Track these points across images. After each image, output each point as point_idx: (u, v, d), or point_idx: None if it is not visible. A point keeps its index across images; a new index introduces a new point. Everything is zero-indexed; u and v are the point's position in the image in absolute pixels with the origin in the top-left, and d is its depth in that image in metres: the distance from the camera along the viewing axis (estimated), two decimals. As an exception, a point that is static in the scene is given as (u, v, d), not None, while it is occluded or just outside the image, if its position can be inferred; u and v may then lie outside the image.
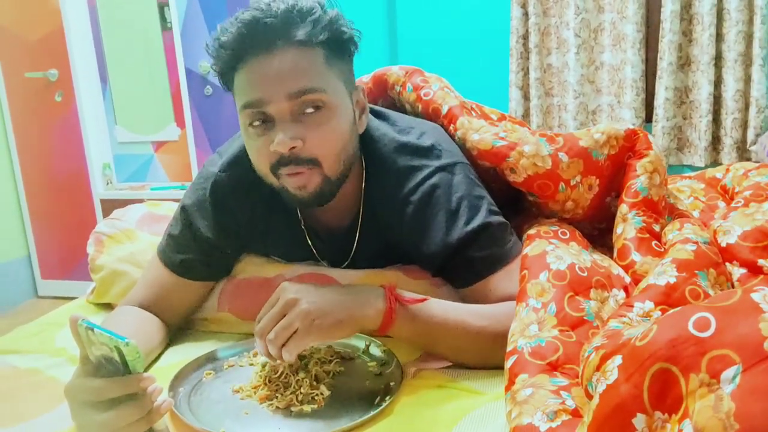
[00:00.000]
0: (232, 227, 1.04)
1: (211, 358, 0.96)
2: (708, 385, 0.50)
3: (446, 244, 0.95)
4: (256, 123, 0.89)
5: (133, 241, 1.25)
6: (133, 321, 0.99)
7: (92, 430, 0.70)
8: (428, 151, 0.99)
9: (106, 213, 2.94)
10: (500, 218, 0.98)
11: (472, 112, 1.14)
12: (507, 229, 0.99)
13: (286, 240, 1.08)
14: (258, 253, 1.12)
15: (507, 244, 0.97)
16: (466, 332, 0.88)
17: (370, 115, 1.04)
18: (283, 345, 0.80)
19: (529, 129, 1.16)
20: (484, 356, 0.88)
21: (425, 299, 0.89)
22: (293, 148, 0.87)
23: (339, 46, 0.91)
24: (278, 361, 0.84)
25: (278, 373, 0.86)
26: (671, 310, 0.59)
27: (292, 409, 0.81)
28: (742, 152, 2.47)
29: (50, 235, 3.25)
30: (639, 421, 0.53)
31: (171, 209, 1.35)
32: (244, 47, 0.87)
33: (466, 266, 0.96)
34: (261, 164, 0.92)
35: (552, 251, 0.92)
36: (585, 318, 0.82)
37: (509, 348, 0.80)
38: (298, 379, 0.85)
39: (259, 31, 0.85)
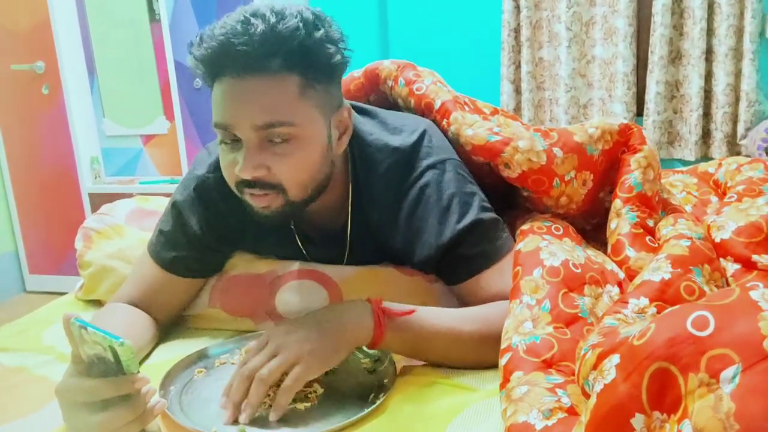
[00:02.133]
0: (221, 226, 1.03)
1: (202, 355, 0.95)
2: (707, 385, 0.50)
3: (439, 244, 0.94)
4: (226, 141, 0.88)
5: (122, 236, 1.23)
6: (123, 318, 0.98)
7: (84, 431, 0.69)
8: (418, 151, 0.98)
9: (95, 207, 2.92)
10: (492, 214, 0.97)
11: (465, 107, 1.13)
12: (499, 225, 0.98)
13: (277, 242, 1.06)
14: (249, 252, 1.11)
15: (499, 241, 0.97)
16: (457, 339, 0.87)
17: (360, 116, 1.03)
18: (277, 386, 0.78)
19: (522, 123, 1.15)
20: (476, 360, 0.87)
21: (413, 311, 0.87)
22: (257, 176, 0.86)
23: (318, 72, 0.85)
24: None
25: None
26: (669, 309, 0.59)
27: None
28: (733, 146, 2.48)
29: (38, 230, 3.21)
30: (637, 421, 0.53)
31: (160, 204, 1.33)
32: (216, 67, 0.83)
33: (458, 263, 0.95)
34: (228, 179, 0.90)
35: (546, 247, 0.91)
36: (579, 315, 0.82)
37: (504, 345, 0.79)
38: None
39: (232, 56, 0.80)
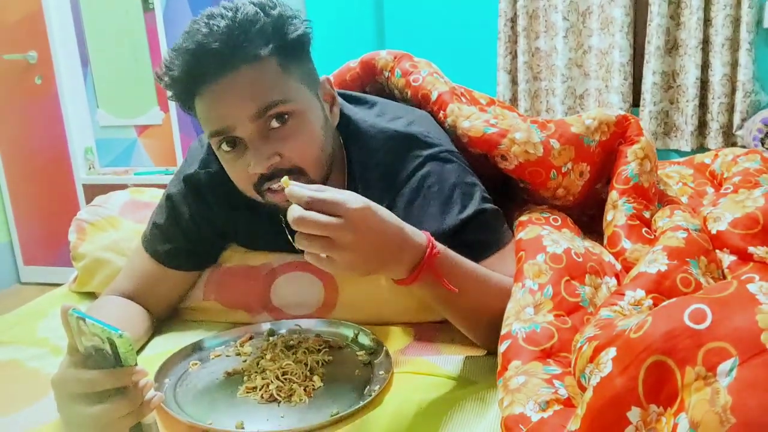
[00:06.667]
0: (213, 218, 1.02)
1: (197, 348, 0.95)
2: (704, 378, 0.50)
3: (441, 232, 0.93)
4: (228, 148, 0.87)
5: (117, 228, 1.22)
6: (118, 311, 0.97)
7: (80, 423, 0.68)
8: (417, 140, 0.97)
9: (89, 198, 2.90)
10: (493, 205, 0.97)
11: (462, 98, 1.12)
12: (500, 216, 0.98)
13: (270, 238, 1.05)
14: (241, 245, 1.10)
15: (500, 231, 0.96)
16: (486, 290, 0.85)
17: (355, 105, 1.02)
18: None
19: (519, 114, 1.15)
20: (495, 323, 0.82)
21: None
22: (272, 165, 0.85)
23: (291, 48, 0.86)
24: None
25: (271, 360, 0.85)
26: (666, 301, 0.59)
27: (281, 399, 0.80)
28: (729, 137, 2.48)
29: (32, 221, 3.20)
30: (634, 414, 0.53)
31: (155, 196, 1.33)
32: (196, 78, 0.82)
33: (460, 251, 0.94)
34: (243, 186, 0.89)
35: (547, 235, 0.91)
36: (580, 304, 0.81)
37: (503, 331, 0.79)
38: (290, 371, 0.84)
39: (207, 59, 0.81)
